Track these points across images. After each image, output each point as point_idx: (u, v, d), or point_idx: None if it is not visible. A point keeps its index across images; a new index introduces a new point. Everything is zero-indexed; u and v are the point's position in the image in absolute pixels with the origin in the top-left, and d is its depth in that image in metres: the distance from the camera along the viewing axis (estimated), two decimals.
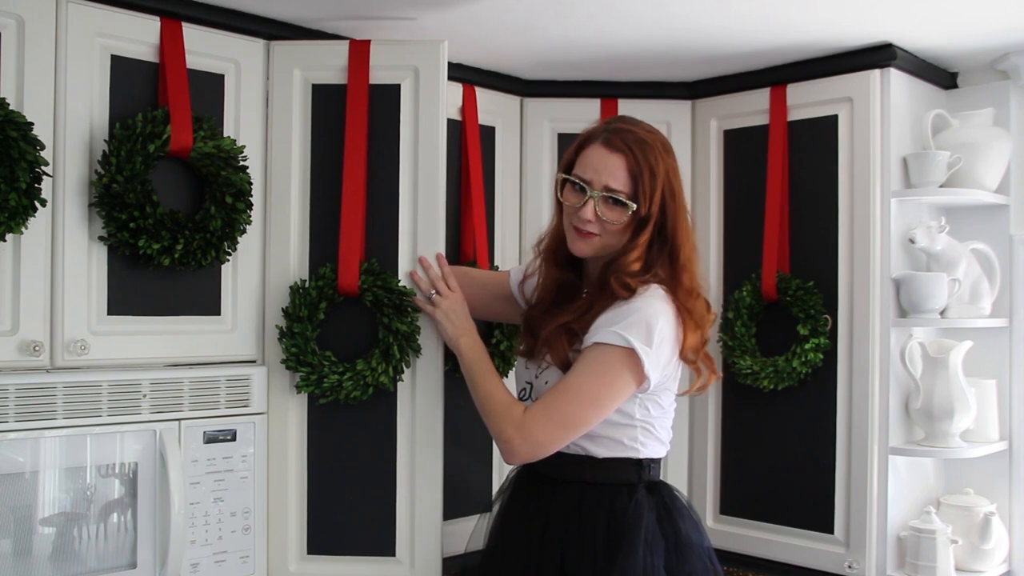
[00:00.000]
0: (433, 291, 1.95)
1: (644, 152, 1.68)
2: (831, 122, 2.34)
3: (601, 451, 1.70)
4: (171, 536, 1.81)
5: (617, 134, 1.70)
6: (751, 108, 2.49)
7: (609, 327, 1.63)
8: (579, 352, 1.67)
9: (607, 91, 2.56)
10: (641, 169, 1.66)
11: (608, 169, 1.68)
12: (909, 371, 2.29)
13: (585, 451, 1.70)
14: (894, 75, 2.28)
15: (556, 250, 1.84)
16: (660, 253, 1.71)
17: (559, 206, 1.80)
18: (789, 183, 2.41)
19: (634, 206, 1.67)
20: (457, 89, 2.37)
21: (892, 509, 2.26)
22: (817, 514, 2.33)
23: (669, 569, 1.64)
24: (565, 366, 1.68)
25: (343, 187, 2.00)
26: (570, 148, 1.79)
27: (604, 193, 1.68)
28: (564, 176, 1.75)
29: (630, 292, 1.67)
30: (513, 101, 2.56)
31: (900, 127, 2.31)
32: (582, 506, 1.68)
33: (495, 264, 2.44)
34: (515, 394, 1.87)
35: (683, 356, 1.71)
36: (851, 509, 2.27)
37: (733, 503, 2.53)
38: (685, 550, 1.68)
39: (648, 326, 1.63)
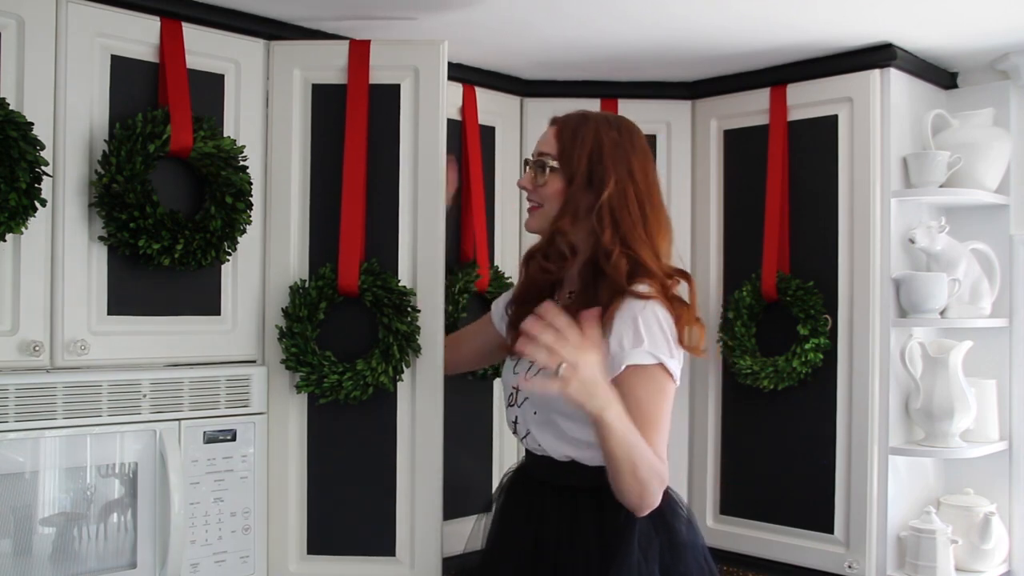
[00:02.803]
0: (561, 367, 1.48)
1: (576, 121, 1.74)
2: (831, 122, 2.34)
3: (593, 460, 1.66)
4: (171, 536, 1.81)
5: (565, 114, 1.78)
6: (751, 108, 2.49)
7: (636, 348, 1.60)
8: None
9: (607, 91, 2.56)
10: (565, 132, 1.73)
11: (543, 139, 1.77)
12: (909, 371, 2.29)
13: (575, 459, 1.69)
14: (894, 75, 2.28)
15: (534, 246, 1.84)
16: (590, 212, 1.67)
17: None
18: (789, 183, 2.41)
19: (554, 164, 1.72)
20: (457, 89, 2.37)
21: (892, 509, 2.26)
22: (817, 514, 2.33)
23: (664, 569, 1.63)
24: None
25: (343, 187, 2.00)
26: None
27: (535, 158, 1.76)
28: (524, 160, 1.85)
29: (557, 270, 1.71)
30: (513, 101, 2.56)
31: (900, 127, 2.31)
32: (576, 511, 1.67)
33: (495, 265, 2.44)
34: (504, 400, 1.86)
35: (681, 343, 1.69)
36: (851, 509, 2.27)
37: (733, 503, 2.53)
38: (679, 549, 1.67)
39: (664, 333, 1.63)
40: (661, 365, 1.61)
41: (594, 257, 1.69)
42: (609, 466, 1.55)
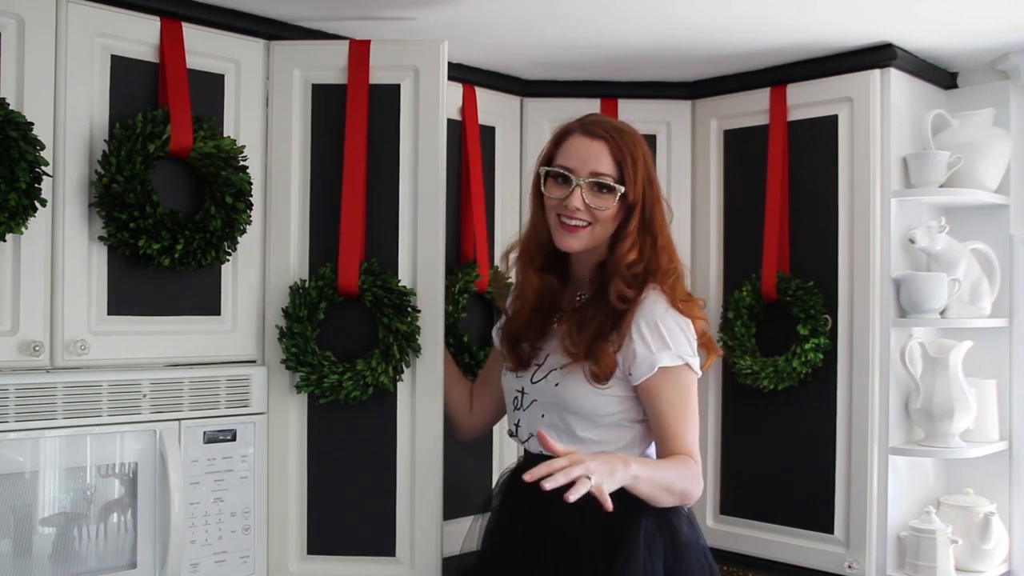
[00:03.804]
0: (588, 478, 1.49)
1: (623, 138, 1.71)
2: (831, 122, 2.34)
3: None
4: (171, 536, 1.81)
5: (594, 124, 1.73)
6: (751, 108, 2.49)
7: (663, 351, 1.67)
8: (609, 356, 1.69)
9: (607, 91, 2.56)
10: (624, 154, 1.69)
11: (592, 155, 1.69)
12: (909, 371, 2.29)
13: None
14: (894, 75, 2.28)
15: (535, 254, 1.81)
16: (646, 240, 1.72)
17: (537, 205, 1.80)
18: (789, 183, 2.41)
19: (622, 189, 1.69)
20: (457, 89, 2.36)
21: (892, 509, 2.26)
22: (817, 514, 2.33)
23: (666, 568, 1.64)
24: (610, 375, 1.69)
25: (343, 187, 2.00)
26: (547, 144, 1.79)
27: (590, 179, 1.69)
28: (547, 169, 1.75)
29: (627, 304, 1.70)
30: (513, 101, 2.56)
31: (900, 127, 2.31)
32: (579, 508, 1.67)
33: (495, 265, 2.43)
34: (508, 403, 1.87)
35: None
36: (851, 509, 2.27)
37: (733, 503, 2.53)
38: (681, 549, 1.68)
39: (685, 335, 1.71)
40: (687, 365, 1.70)
41: (606, 261, 1.74)
42: (650, 501, 1.64)
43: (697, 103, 2.61)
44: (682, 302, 1.72)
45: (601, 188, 1.69)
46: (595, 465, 1.50)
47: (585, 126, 1.73)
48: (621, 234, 1.71)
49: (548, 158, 1.77)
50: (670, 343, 1.67)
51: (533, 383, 1.77)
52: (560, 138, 1.76)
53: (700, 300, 1.81)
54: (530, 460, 1.80)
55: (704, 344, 1.77)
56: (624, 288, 1.70)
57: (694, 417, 1.71)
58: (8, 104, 1.63)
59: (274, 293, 2.02)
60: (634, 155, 1.70)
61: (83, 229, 1.78)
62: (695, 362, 1.71)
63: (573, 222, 1.70)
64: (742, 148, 2.53)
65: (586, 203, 1.69)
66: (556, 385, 1.72)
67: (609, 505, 1.48)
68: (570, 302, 1.81)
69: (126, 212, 1.75)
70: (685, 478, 1.65)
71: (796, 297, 2.34)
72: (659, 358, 1.66)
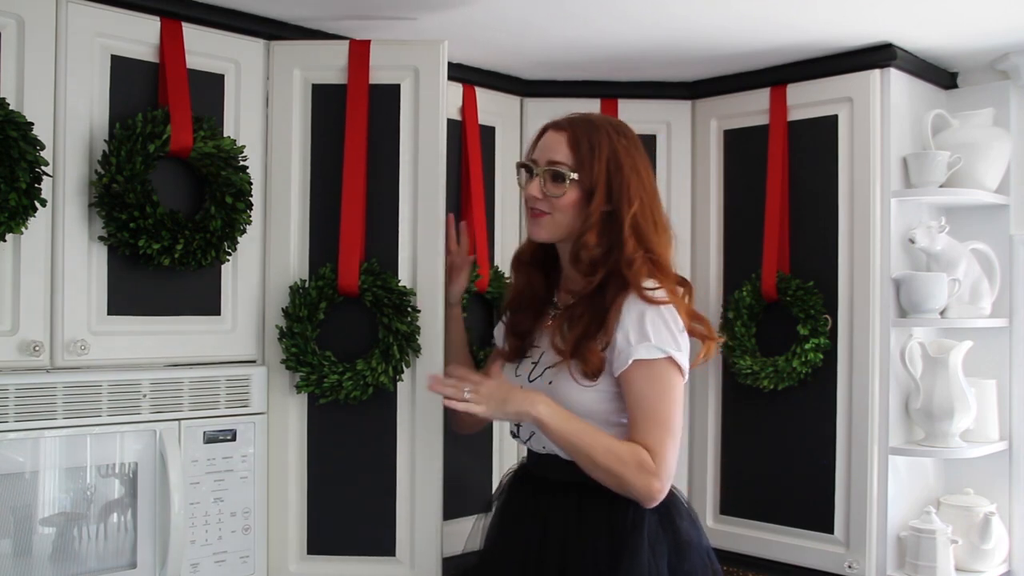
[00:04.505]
0: (465, 390, 1.68)
1: (587, 128, 1.72)
2: (831, 122, 2.34)
3: None
4: (171, 536, 1.81)
5: (566, 118, 1.76)
6: (751, 108, 2.49)
7: (642, 343, 1.63)
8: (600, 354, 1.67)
9: (607, 91, 2.56)
10: (580, 141, 1.70)
11: (551, 146, 1.72)
12: (909, 371, 2.29)
13: None
14: (894, 75, 2.28)
15: (525, 249, 1.88)
16: (607, 227, 1.69)
17: None
18: (789, 183, 2.41)
19: (574, 175, 1.69)
20: (457, 89, 2.37)
21: (892, 509, 2.26)
22: (817, 514, 2.33)
23: (670, 568, 1.64)
24: (597, 372, 1.67)
25: (343, 187, 2.00)
26: (531, 141, 1.83)
27: (546, 168, 1.71)
28: (517, 162, 1.82)
29: (576, 296, 1.71)
30: (513, 101, 2.56)
31: (900, 127, 2.31)
32: (582, 508, 1.68)
33: (495, 265, 2.43)
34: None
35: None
36: (851, 509, 2.27)
37: (733, 503, 2.53)
38: (684, 549, 1.68)
39: (668, 328, 1.65)
40: (669, 359, 1.64)
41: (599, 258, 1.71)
42: (575, 461, 1.64)
43: (697, 103, 2.62)
44: (650, 287, 1.65)
45: (555, 176, 1.70)
46: (488, 389, 1.66)
47: (558, 121, 1.76)
48: (587, 224, 1.69)
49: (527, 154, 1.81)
50: (651, 335, 1.63)
51: (530, 382, 1.77)
52: (539, 135, 1.80)
53: (675, 275, 1.72)
54: (534, 459, 1.81)
55: (693, 332, 1.71)
56: (576, 277, 1.71)
57: (668, 417, 1.63)
58: (8, 104, 1.63)
59: (274, 293, 2.02)
60: (593, 141, 1.69)
61: (83, 229, 1.78)
62: (680, 356, 1.64)
63: (534, 211, 1.74)
64: (742, 148, 2.53)
65: (544, 192, 1.71)
66: (549, 383, 1.72)
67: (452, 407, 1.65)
68: (565, 299, 1.81)
69: (126, 212, 1.75)
70: (621, 460, 1.59)
71: (796, 297, 2.34)
72: (635, 351, 1.62)
